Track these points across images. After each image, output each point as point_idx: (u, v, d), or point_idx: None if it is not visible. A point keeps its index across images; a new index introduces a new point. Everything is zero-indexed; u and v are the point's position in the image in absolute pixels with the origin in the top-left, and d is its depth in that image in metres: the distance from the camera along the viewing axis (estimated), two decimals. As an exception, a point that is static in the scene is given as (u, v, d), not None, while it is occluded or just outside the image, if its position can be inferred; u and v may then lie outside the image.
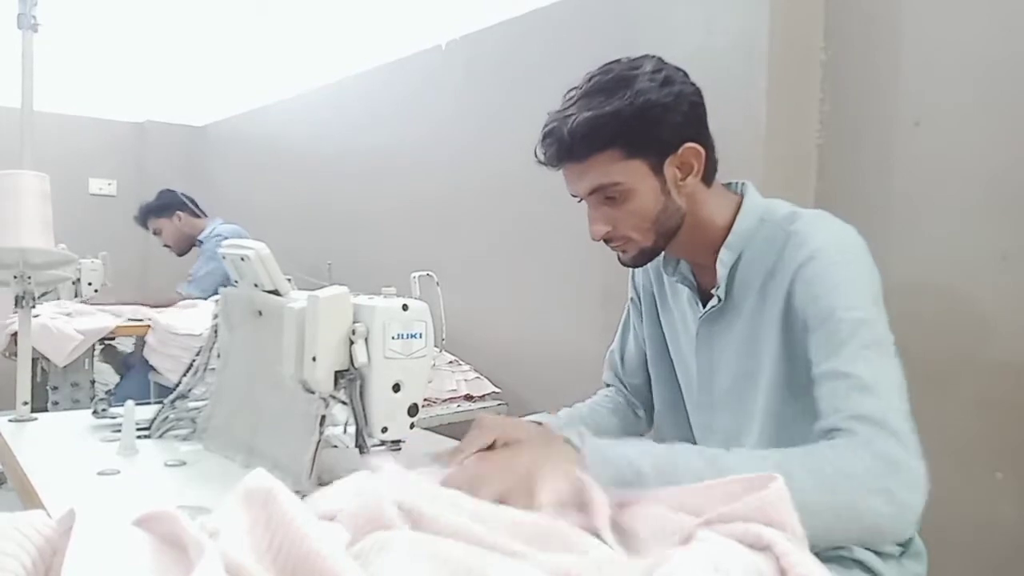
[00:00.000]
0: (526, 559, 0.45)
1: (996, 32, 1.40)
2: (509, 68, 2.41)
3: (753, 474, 0.55)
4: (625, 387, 1.24)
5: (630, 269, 1.22)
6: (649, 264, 1.16)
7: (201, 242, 3.34)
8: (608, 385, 1.27)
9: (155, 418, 1.15)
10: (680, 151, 0.96)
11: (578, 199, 1.01)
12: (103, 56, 4.21)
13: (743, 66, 1.53)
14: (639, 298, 1.20)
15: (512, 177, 2.38)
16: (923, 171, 1.49)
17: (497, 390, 2.38)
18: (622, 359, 1.24)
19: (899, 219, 1.51)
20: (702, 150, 0.97)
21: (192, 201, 3.40)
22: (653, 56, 0.97)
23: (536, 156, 1.00)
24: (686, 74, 0.98)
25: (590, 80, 0.96)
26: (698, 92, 0.98)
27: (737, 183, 1.05)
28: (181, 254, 3.44)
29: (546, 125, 0.97)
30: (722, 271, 0.99)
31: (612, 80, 0.94)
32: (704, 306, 1.04)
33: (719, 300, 1.00)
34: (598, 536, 0.53)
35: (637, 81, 0.93)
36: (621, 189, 0.95)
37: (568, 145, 0.94)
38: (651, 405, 1.22)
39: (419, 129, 2.82)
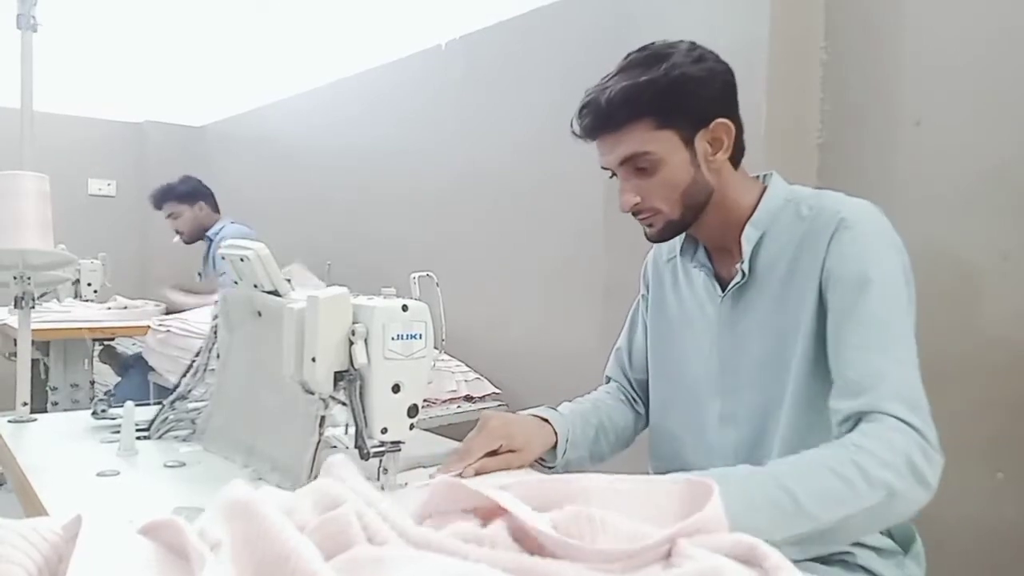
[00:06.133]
0: None
1: (996, 32, 1.40)
2: (509, 68, 2.41)
3: (683, 480, 0.53)
4: (630, 383, 1.24)
5: (642, 266, 1.22)
6: (663, 258, 1.17)
7: (210, 239, 3.34)
8: (608, 380, 1.27)
9: (154, 419, 1.14)
10: (711, 126, 0.98)
11: (609, 173, 1.03)
12: (102, 56, 4.22)
13: (743, 66, 1.52)
14: (648, 292, 1.20)
15: (512, 177, 2.38)
16: (924, 171, 1.49)
17: (497, 391, 2.38)
18: (629, 355, 1.24)
19: (900, 219, 1.49)
20: (732, 127, 0.99)
21: (212, 194, 3.41)
22: (688, 40, 1.00)
23: (572, 129, 1.02)
24: (719, 56, 1.01)
25: (627, 59, 0.99)
26: (731, 72, 1.01)
27: (762, 175, 1.06)
28: (190, 242, 3.42)
29: (583, 99, 1.00)
30: (747, 247, 1.00)
31: (648, 56, 0.97)
32: (724, 290, 1.04)
33: (743, 275, 1.00)
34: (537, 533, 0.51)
35: (673, 56, 0.96)
36: (652, 159, 0.97)
37: (605, 114, 0.97)
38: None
39: (419, 129, 2.82)
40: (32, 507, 0.87)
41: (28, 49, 1.45)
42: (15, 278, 1.30)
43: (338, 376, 0.85)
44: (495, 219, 2.47)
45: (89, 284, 3.10)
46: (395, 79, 2.94)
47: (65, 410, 2.39)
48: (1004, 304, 1.38)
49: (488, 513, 0.54)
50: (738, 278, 1.01)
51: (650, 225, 1.03)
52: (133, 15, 4.17)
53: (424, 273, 1.02)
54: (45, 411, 2.12)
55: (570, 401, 1.18)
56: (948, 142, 1.46)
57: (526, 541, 0.50)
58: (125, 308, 2.89)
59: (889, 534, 0.99)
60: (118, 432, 1.08)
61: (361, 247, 3.16)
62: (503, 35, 2.44)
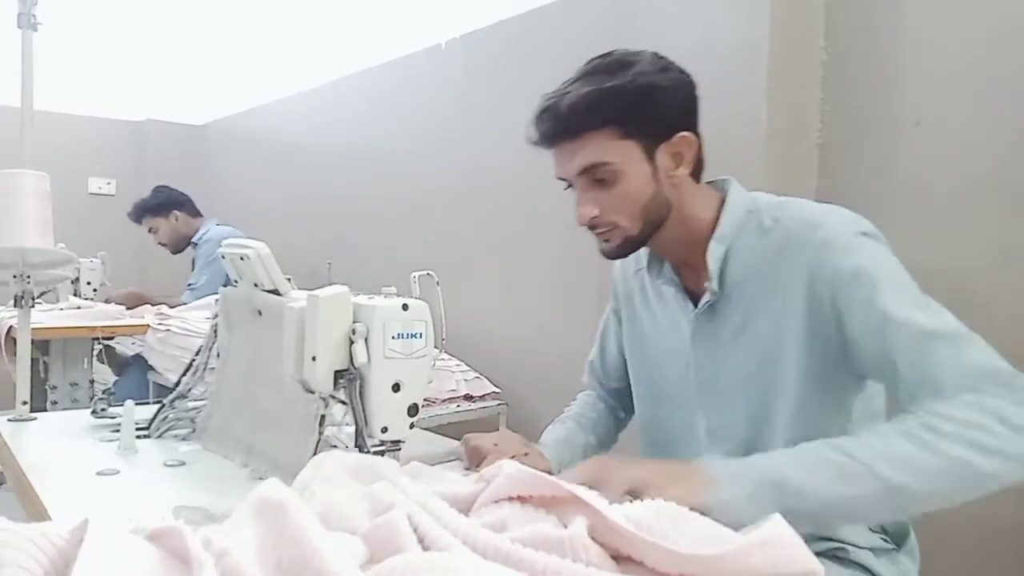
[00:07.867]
0: None
1: (996, 32, 1.40)
2: (509, 67, 2.41)
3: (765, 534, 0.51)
4: (607, 392, 1.23)
5: (613, 278, 1.20)
6: (631, 271, 1.15)
7: (195, 244, 3.33)
8: (586, 388, 1.27)
9: (154, 418, 1.14)
10: (674, 139, 0.95)
11: (567, 184, 0.99)
12: (103, 55, 4.21)
13: (743, 66, 1.53)
14: (620, 306, 1.18)
15: (512, 177, 2.38)
16: (923, 170, 1.49)
17: (497, 390, 2.38)
18: (603, 366, 1.23)
19: (900, 218, 1.50)
20: (695, 141, 0.97)
21: (188, 199, 3.40)
22: (651, 51, 0.97)
23: (529, 136, 0.98)
24: (683, 68, 0.98)
25: (589, 64, 0.96)
26: (694, 84, 0.98)
27: (719, 181, 1.03)
28: (176, 252, 3.44)
29: (541, 104, 0.96)
30: (713, 264, 0.97)
31: (612, 62, 0.94)
32: (695, 305, 1.02)
33: (713, 294, 0.98)
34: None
35: (638, 64, 0.93)
36: (612, 170, 0.94)
37: (565, 120, 0.93)
38: (631, 408, 1.20)
39: (419, 128, 2.82)
40: (32, 506, 0.87)
41: (28, 48, 1.45)
42: (15, 276, 1.30)
43: (338, 375, 0.85)
44: (495, 219, 2.47)
45: (89, 283, 3.10)
46: (395, 78, 2.95)
47: (65, 409, 2.39)
48: (1004, 304, 1.38)
49: (553, 503, 0.53)
50: (707, 297, 0.99)
51: (607, 240, 0.99)
52: (133, 14, 4.17)
53: (424, 272, 1.01)
54: (45, 410, 2.12)
55: (551, 424, 1.17)
56: (948, 142, 1.46)
57: (607, 536, 0.49)
58: (79, 308, 2.81)
59: (883, 529, 0.99)
60: (118, 431, 1.08)
61: (361, 246, 3.16)
62: (503, 35, 2.44)
